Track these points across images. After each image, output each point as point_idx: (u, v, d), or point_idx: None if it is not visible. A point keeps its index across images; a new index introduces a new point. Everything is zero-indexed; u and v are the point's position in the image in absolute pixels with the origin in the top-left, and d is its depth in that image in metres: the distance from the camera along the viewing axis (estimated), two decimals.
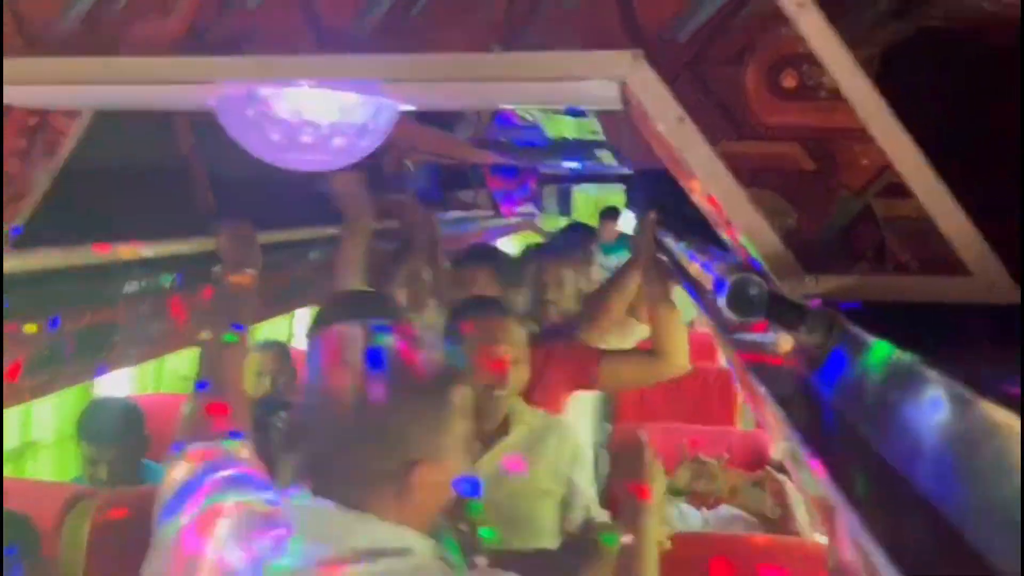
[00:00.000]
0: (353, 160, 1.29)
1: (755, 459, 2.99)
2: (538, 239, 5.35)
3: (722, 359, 3.33)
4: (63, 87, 1.10)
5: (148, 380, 3.89)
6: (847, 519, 0.57)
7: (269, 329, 4.00)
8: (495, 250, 2.96)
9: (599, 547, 1.70)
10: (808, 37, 1.00)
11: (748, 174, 1.02)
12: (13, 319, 1.41)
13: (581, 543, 1.81)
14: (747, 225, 1.03)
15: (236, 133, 1.17)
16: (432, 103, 1.62)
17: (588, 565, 1.72)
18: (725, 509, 2.73)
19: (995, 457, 0.49)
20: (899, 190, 0.98)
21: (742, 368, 1.15)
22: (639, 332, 2.70)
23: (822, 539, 2.15)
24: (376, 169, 3.19)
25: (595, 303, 2.69)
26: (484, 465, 1.91)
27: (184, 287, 1.94)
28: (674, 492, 2.58)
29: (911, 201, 0.98)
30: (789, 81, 1.00)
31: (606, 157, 4.80)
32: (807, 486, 0.76)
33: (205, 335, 1.52)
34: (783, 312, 0.90)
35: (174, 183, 2.18)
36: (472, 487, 1.23)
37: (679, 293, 2.41)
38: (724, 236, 1.20)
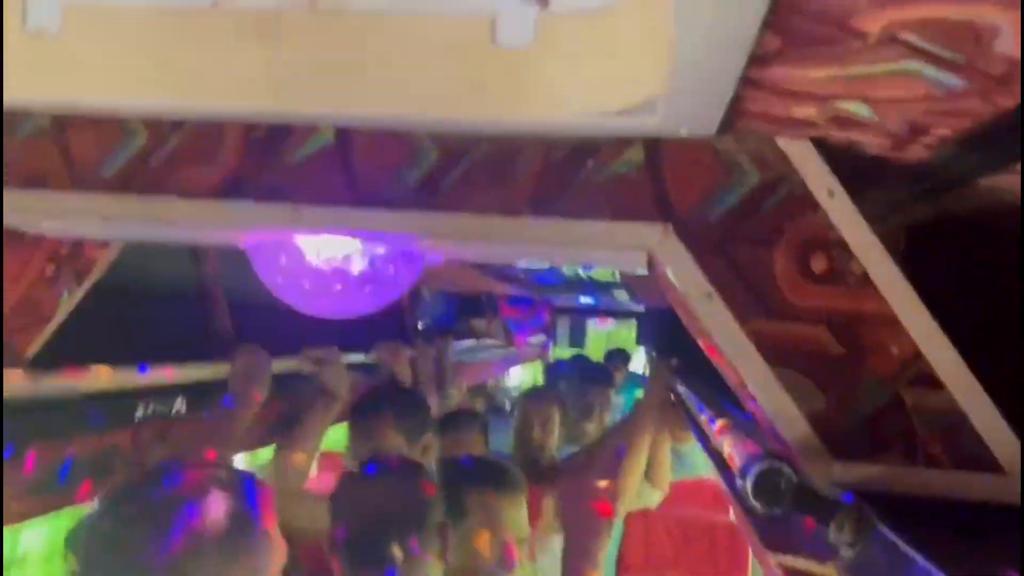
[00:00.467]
0: (379, 308, 1.30)
1: None
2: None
3: (732, 512, 3.25)
4: (106, 223, 1.13)
5: None
6: None
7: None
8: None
9: None
10: (838, 224, 1.01)
11: (774, 354, 1.02)
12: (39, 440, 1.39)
13: None
14: (774, 406, 1.02)
15: (267, 278, 1.18)
16: (462, 257, 1.64)
17: None
18: None
19: None
20: (930, 380, 0.97)
21: (751, 530, 1.12)
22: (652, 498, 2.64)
23: None
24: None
25: (612, 460, 2.60)
26: None
27: (189, 413, 1.92)
28: None
29: (943, 393, 0.97)
30: (819, 264, 1.00)
31: (621, 295, 4.85)
32: None
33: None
34: (811, 505, 0.87)
35: (193, 306, 2.20)
36: None
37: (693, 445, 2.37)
38: (747, 407, 1.19)
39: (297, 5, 0.94)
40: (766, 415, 1.03)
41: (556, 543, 2.56)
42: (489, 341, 5.23)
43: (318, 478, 2.70)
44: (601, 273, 3.35)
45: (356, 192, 1.11)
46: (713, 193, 1.04)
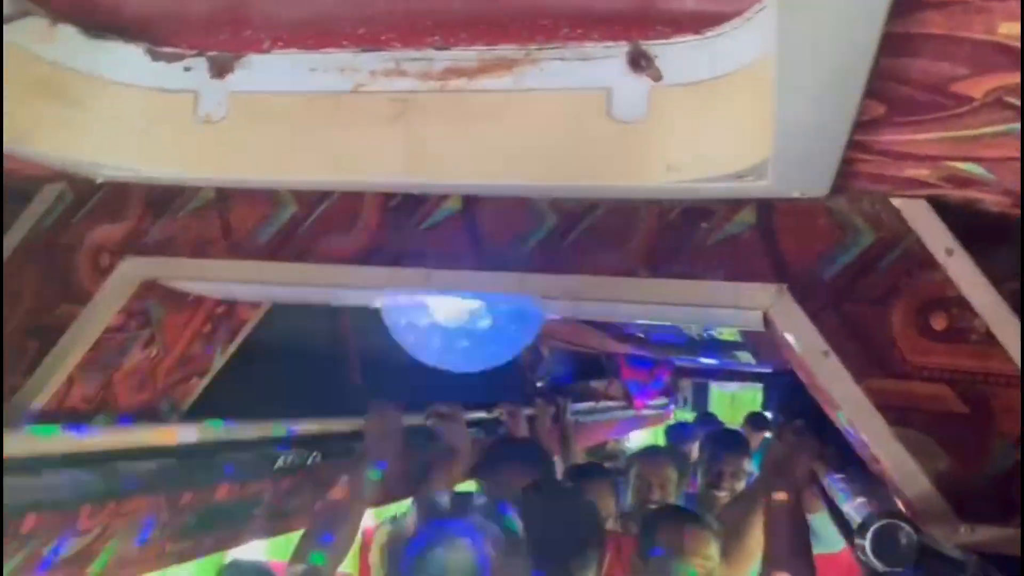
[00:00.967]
0: (500, 363, 1.36)
1: None
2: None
3: None
4: (260, 286, 1.25)
5: (280, 548, 3.95)
6: None
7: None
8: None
9: None
10: (958, 282, 1.01)
11: (894, 412, 1.02)
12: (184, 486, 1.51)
13: None
14: (895, 464, 1.01)
15: (400, 335, 1.27)
16: (581, 316, 1.69)
17: None
18: None
19: None
20: None
21: None
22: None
23: None
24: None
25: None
26: None
27: (323, 465, 2.01)
28: None
29: None
30: (939, 323, 1.00)
31: (744, 356, 4.74)
32: None
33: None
34: (936, 566, 0.86)
35: (327, 362, 2.33)
36: None
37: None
38: (871, 468, 1.17)
39: (429, 88, 1.04)
40: (890, 474, 1.02)
41: None
42: (609, 403, 5.20)
43: None
44: (724, 333, 3.31)
45: (481, 255, 1.19)
46: (827, 253, 1.06)
